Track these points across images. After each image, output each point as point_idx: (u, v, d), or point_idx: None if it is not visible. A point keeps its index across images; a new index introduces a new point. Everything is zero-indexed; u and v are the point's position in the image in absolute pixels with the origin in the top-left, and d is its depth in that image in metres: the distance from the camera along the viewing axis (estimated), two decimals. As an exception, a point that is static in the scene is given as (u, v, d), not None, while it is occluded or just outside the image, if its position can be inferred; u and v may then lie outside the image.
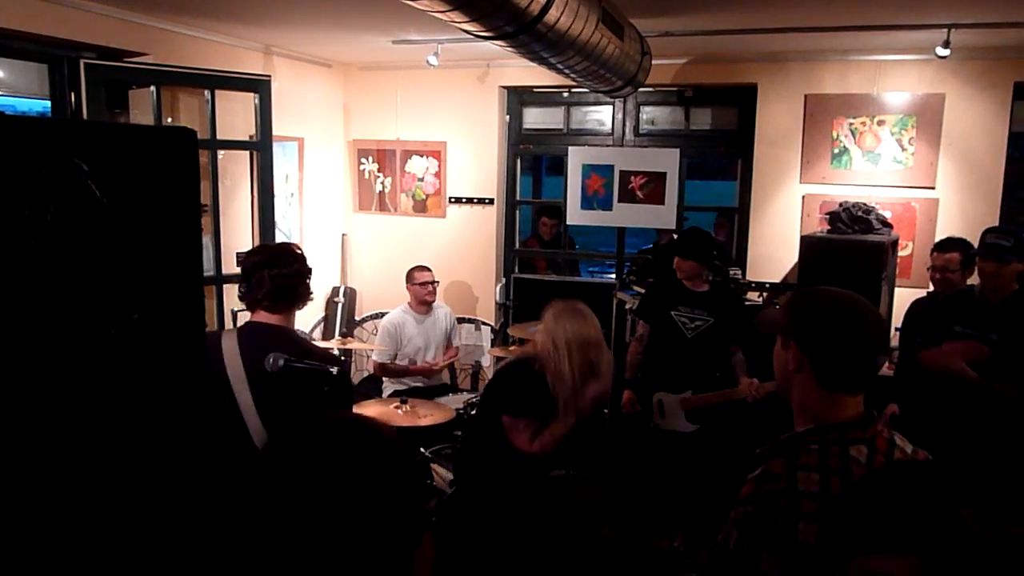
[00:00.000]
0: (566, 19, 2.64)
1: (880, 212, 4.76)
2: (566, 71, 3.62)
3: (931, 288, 4.36)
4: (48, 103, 4.21)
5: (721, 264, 5.13)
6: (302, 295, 2.66)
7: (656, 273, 5.05)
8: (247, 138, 4.85)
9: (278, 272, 2.58)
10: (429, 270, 5.18)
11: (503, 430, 3.08)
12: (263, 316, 2.61)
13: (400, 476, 0.89)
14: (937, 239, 4.75)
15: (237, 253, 4.54)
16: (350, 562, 0.83)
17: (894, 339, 4.58)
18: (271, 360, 2.46)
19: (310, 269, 2.71)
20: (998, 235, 3.50)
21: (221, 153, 4.54)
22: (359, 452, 0.89)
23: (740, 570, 1.56)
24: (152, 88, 4.22)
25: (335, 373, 2.48)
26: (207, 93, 4.38)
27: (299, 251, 2.72)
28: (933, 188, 4.94)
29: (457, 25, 2.45)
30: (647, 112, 5.71)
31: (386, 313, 5.30)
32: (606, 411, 5.45)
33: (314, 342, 5.67)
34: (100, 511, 1.39)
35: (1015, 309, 3.39)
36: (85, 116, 4.06)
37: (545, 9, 2.41)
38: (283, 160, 5.32)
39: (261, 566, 0.85)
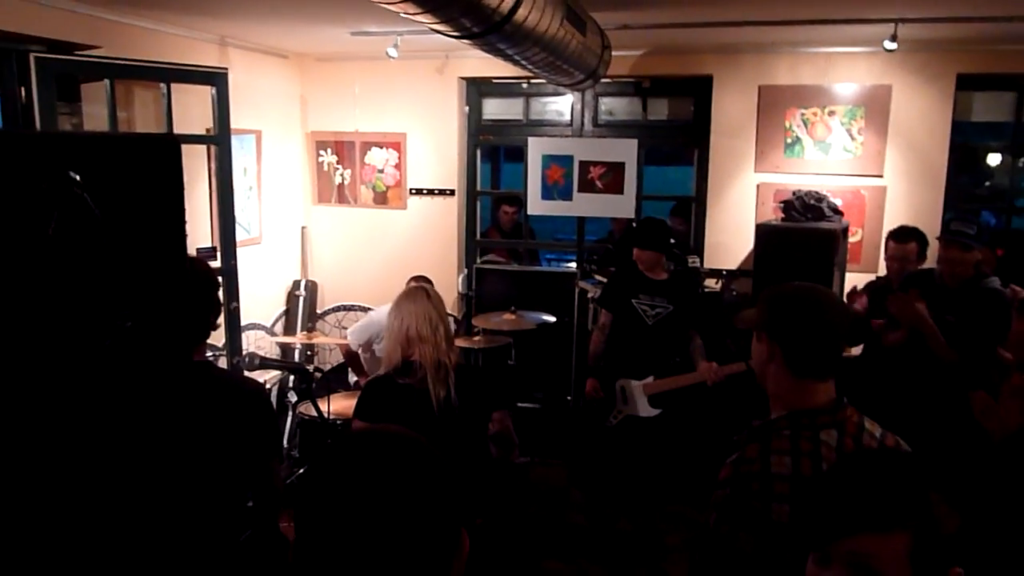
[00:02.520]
0: (533, 17, 2.68)
1: (831, 200, 4.92)
2: (527, 65, 3.65)
3: (883, 271, 4.53)
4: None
5: (680, 252, 5.25)
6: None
7: (617, 262, 5.14)
8: (204, 132, 4.78)
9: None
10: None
11: (485, 427, 3.06)
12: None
13: (443, 482, 0.93)
14: (886, 226, 4.94)
15: (198, 249, 4.50)
16: (398, 568, 0.88)
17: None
18: (247, 359, 2.48)
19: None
20: (963, 223, 3.67)
21: (179, 148, 4.46)
22: (406, 461, 0.92)
23: (720, 548, 1.66)
24: (106, 82, 4.13)
25: (312, 371, 2.51)
26: (163, 87, 4.30)
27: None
28: (881, 176, 5.11)
29: (426, 25, 2.47)
30: (605, 103, 5.78)
31: (351, 306, 5.28)
32: (569, 398, 5.55)
33: (276, 336, 5.64)
34: (95, 513, 1.40)
35: (970, 294, 3.56)
36: (36, 111, 3.96)
37: (514, 10, 2.45)
38: (241, 153, 5.25)
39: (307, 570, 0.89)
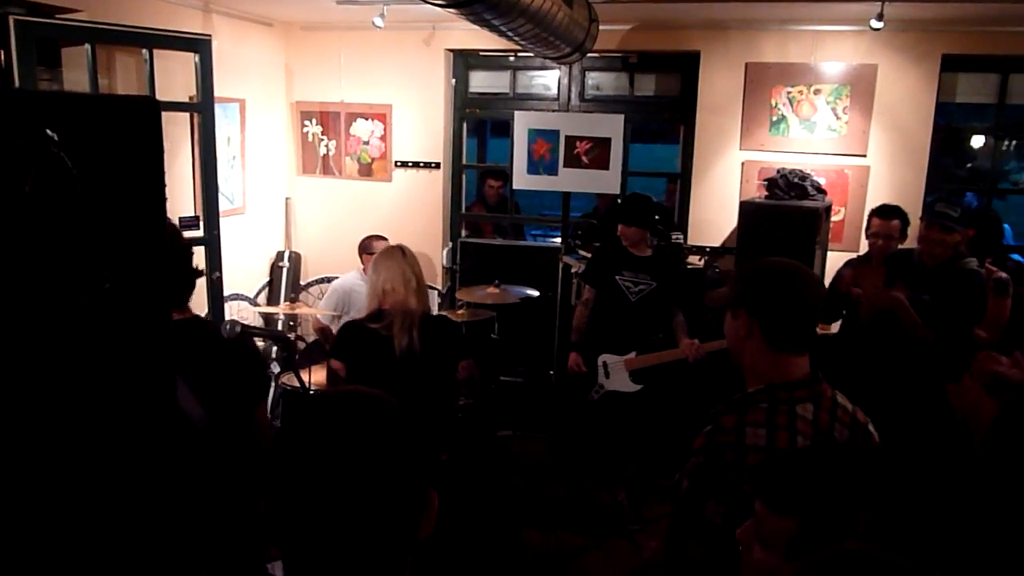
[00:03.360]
0: (520, -13, 2.66)
1: (815, 179, 4.94)
2: (514, 37, 3.63)
3: (863, 250, 4.57)
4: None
5: (664, 228, 5.27)
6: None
7: (601, 238, 5.16)
8: (187, 99, 4.73)
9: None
10: (385, 239, 5.14)
11: (454, 382, 3.24)
12: None
13: (410, 441, 0.95)
14: (868, 205, 4.97)
15: (180, 218, 4.47)
16: (366, 520, 0.89)
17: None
18: (227, 327, 2.48)
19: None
20: (947, 205, 3.69)
21: (161, 115, 4.41)
22: (374, 421, 0.94)
23: (688, 516, 1.68)
24: (87, 47, 4.07)
25: (294, 340, 2.52)
26: (145, 52, 4.24)
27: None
28: (865, 156, 5.14)
29: (411, -8, 2.45)
30: (592, 78, 5.76)
31: (333, 277, 5.27)
32: (552, 372, 5.59)
33: (259, 307, 5.63)
34: (78, 484, 1.41)
35: (948, 274, 3.61)
36: (16, 75, 3.90)
37: (500, -22, 2.43)
38: (225, 122, 5.21)
39: (279, 532, 0.90)
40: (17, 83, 3.82)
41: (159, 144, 1.57)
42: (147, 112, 1.52)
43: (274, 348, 5.24)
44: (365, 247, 5.10)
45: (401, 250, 3.31)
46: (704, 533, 1.64)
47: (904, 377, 3.64)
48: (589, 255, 4.92)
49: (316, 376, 3.97)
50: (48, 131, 1.20)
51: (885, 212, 4.22)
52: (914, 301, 3.64)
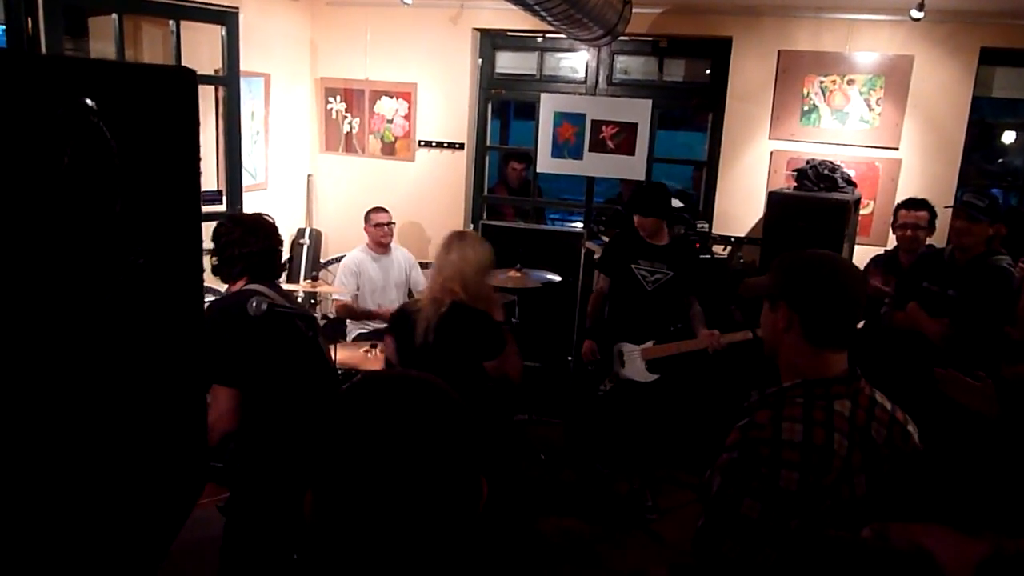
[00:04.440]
0: (558, -34, 2.60)
1: (845, 171, 4.86)
2: (547, 16, 3.57)
3: (891, 245, 4.51)
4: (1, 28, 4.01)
5: (689, 217, 5.21)
6: (276, 270, 2.74)
7: (625, 224, 5.09)
8: (212, 72, 4.70)
9: (249, 251, 2.62)
10: (386, 211, 5.14)
11: (478, 378, 3.10)
12: (244, 285, 2.66)
13: (465, 427, 0.92)
14: (898, 199, 4.89)
15: (204, 192, 4.45)
16: (418, 505, 0.86)
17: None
18: (254, 304, 2.45)
19: (281, 241, 2.80)
20: (975, 195, 3.64)
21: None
22: (428, 408, 0.90)
23: (723, 513, 1.63)
24: (114, 16, 4.04)
25: (319, 319, 2.50)
26: (172, 24, 4.22)
27: (270, 224, 2.75)
28: (897, 149, 5.04)
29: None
30: (621, 61, 5.68)
31: (351, 255, 5.26)
32: (570, 358, 5.55)
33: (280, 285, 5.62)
34: (108, 463, 1.39)
35: (977, 270, 3.54)
36: (43, 44, 3.88)
37: (540, -45, 2.37)
38: (249, 97, 5.17)
39: (334, 517, 0.87)
40: (44, 50, 3.80)
41: (195, 116, 1.53)
42: (184, 83, 1.49)
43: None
44: (365, 218, 5.12)
45: (457, 236, 3.15)
46: (740, 531, 1.60)
47: (923, 374, 3.60)
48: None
49: (340, 355, 3.95)
50: (86, 100, 1.16)
51: (912, 204, 4.20)
52: (938, 296, 3.59)
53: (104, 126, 1.22)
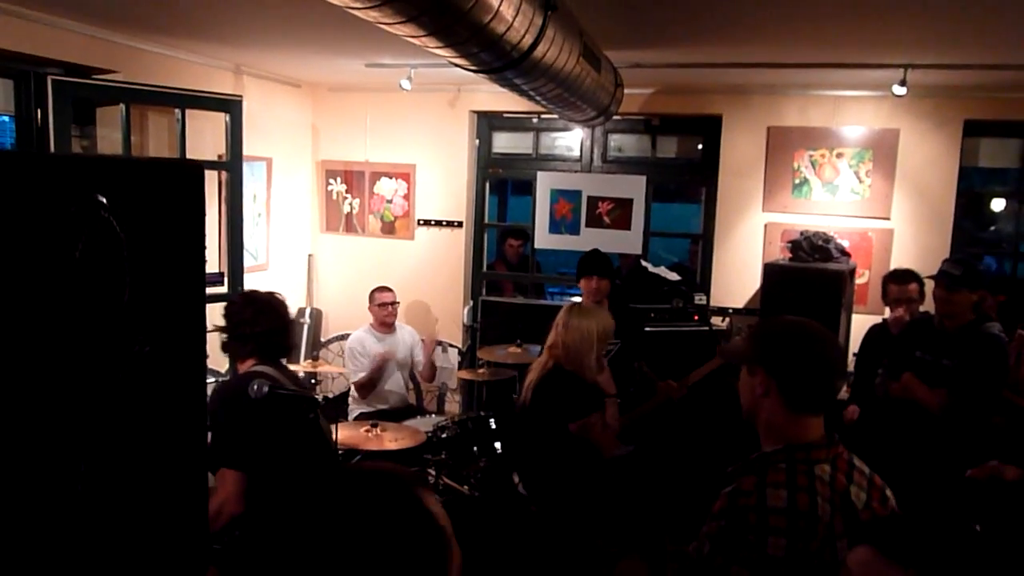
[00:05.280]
0: (551, 54, 2.70)
1: (839, 241, 4.93)
2: (539, 99, 3.68)
3: (885, 316, 4.53)
4: (8, 118, 4.12)
5: (687, 289, 5.25)
6: (285, 348, 2.78)
7: (623, 298, 5.11)
8: (215, 158, 4.81)
9: (260, 331, 2.66)
10: (390, 291, 5.18)
11: (564, 440, 3.25)
12: (252, 365, 2.67)
13: (424, 532, 0.91)
14: (892, 267, 4.94)
15: (206, 274, 4.50)
16: None
17: (851, 364, 4.74)
18: (255, 387, 2.46)
19: (290, 320, 2.87)
20: (951, 264, 3.70)
21: (191, 173, 4.48)
22: (387, 506, 0.91)
23: None
24: (121, 106, 4.16)
25: (320, 400, 2.50)
26: (178, 112, 4.33)
27: (281, 302, 2.80)
28: (888, 219, 5.13)
29: (446, 58, 2.49)
30: (615, 139, 5.82)
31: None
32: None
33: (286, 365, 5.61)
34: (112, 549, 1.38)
35: (969, 338, 3.55)
36: (51, 133, 3.99)
37: (533, 46, 2.47)
38: (251, 180, 5.28)
39: None
40: (52, 140, 3.90)
41: (201, 207, 1.58)
42: (191, 177, 1.54)
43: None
44: (370, 298, 5.16)
45: (568, 308, 3.56)
46: None
47: (922, 447, 3.57)
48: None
49: (341, 434, 3.92)
50: (99, 196, 1.21)
51: (899, 277, 4.21)
52: (932, 365, 3.60)
53: (114, 220, 1.26)
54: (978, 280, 3.63)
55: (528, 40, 2.43)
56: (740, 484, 1.68)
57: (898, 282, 4.18)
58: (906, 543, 1.24)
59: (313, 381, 5.45)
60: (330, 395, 5.53)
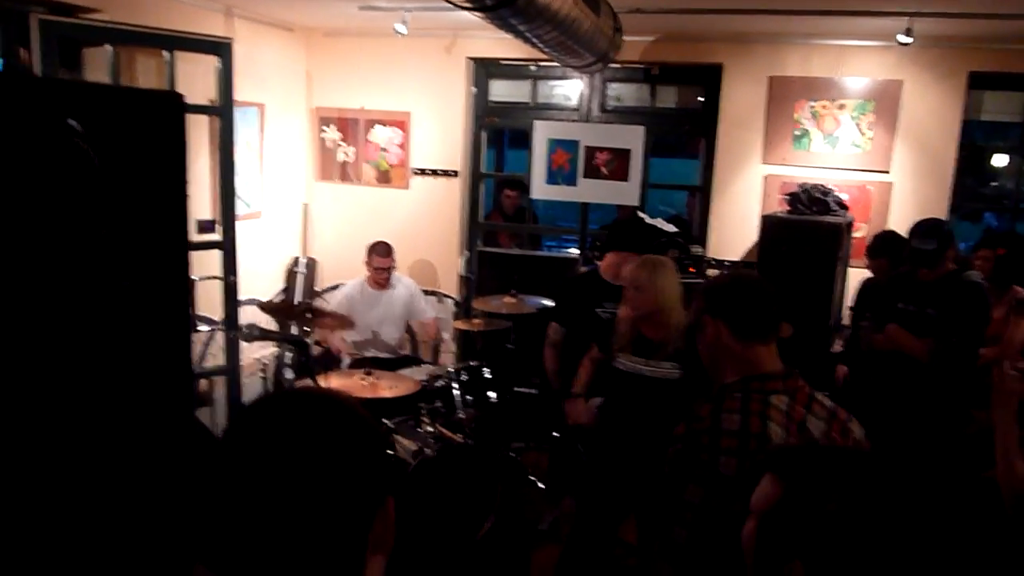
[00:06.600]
0: (547, -7, 2.63)
1: (837, 194, 4.88)
2: (538, 44, 3.60)
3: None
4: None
5: (683, 241, 5.22)
6: None
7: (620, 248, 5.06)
8: (206, 102, 4.72)
9: None
10: (388, 255, 5.04)
11: None
12: None
13: (362, 444, 0.91)
14: (890, 222, 4.92)
15: (198, 221, 4.45)
16: (312, 525, 0.85)
17: (847, 317, 4.74)
18: (246, 330, 2.44)
19: None
20: (921, 239, 3.63)
21: (181, 117, 4.40)
22: (323, 421, 0.90)
23: (671, 499, 1.76)
24: (108, 47, 4.06)
25: (308, 343, 2.48)
26: (166, 54, 4.23)
27: None
28: (888, 172, 5.07)
29: (439, -6, 2.42)
30: (613, 88, 5.72)
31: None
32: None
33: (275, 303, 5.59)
34: (86, 483, 1.37)
35: (949, 287, 3.57)
36: (38, 74, 3.90)
37: (529, -18, 2.40)
38: (243, 127, 5.20)
39: (226, 532, 0.86)
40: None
41: (182, 139, 1.54)
42: (171, 107, 1.49)
43: (288, 353, 5.22)
44: (368, 253, 5.10)
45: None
46: (686, 516, 1.71)
47: (908, 394, 3.61)
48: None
49: (335, 383, 3.92)
50: (71, 122, 1.16)
51: (873, 251, 4.31)
52: (916, 315, 3.62)
53: (90, 148, 1.22)
54: (949, 239, 3.65)
55: (523, -24, 2.36)
56: (697, 411, 1.80)
57: (871, 256, 4.31)
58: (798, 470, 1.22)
59: (306, 329, 5.45)
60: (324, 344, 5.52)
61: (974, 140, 5.53)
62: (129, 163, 1.38)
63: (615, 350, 3.36)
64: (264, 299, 5.62)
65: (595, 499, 3.40)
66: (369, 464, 0.90)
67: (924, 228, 3.71)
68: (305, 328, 4.66)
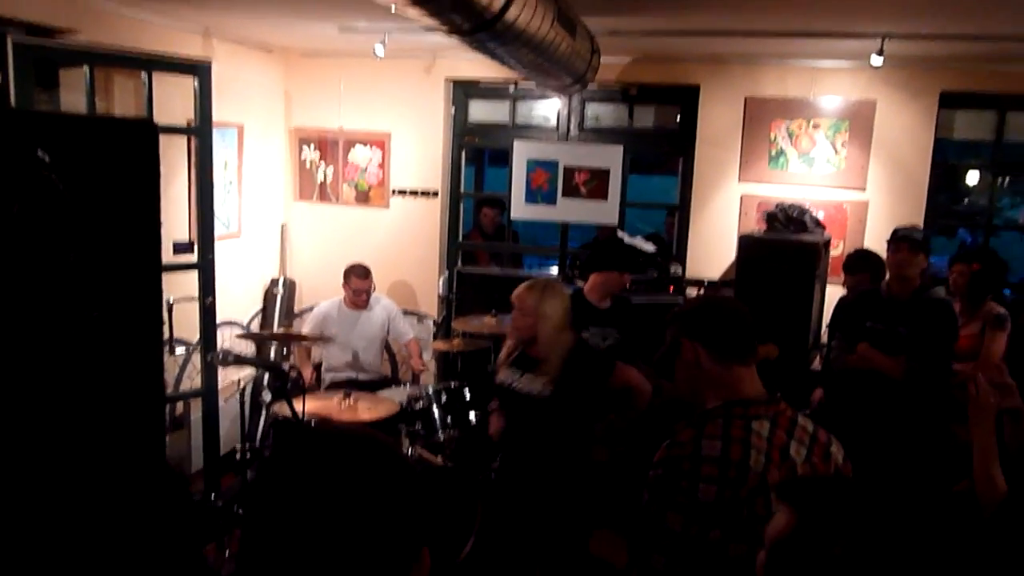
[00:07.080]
0: (524, 17, 2.65)
1: (814, 213, 4.93)
2: (516, 65, 3.62)
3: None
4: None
5: (662, 260, 5.24)
6: None
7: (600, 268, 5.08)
8: (184, 123, 4.70)
9: None
10: (366, 277, 5.04)
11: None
12: None
13: (404, 495, 0.89)
14: (867, 240, 4.98)
15: (175, 242, 4.41)
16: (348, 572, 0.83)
17: (824, 336, 4.78)
18: (220, 355, 2.42)
19: None
20: (909, 229, 3.77)
21: (158, 138, 4.38)
22: (364, 466, 0.88)
23: (650, 526, 1.74)
24: (85, 68, 4.03)
25: (287, 370, 2.46)
26: (144, 75, 4.21)
27: None
28: (864, 190, 5.14)
29: (416, 21, 2.43)
30: (592, 108, 5.76)
31: (325, 304, 5.22)
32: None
33: (253, 332, 5.56)
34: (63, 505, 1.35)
35: (916, 305, 3.61)
36: (12, 96, 3.87)
37: (505, 8, 2.42)
38: (222, 147, 5.17)
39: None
40: (14, 102, 3.78)
41: (155, 166, 1.53)
42: (145, 135, 1.48)
43: (266, 377, 5.17)
44: (345, 275, 5.08)
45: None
46: (665, 543, 1.69)
47: (883, 412, 3.64)
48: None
49: (309, 405, 3.89)
50: (39, 153, 1.15)
51: (851, 266, 4.37)
52: (886, 334, 3.65)
53: (57, 178, 1.21)
54: (929, 247, 3.75)
55: (500, 1, 2.38)
56: (678, 436, 1.78)
57: (849, 272, 4.36)
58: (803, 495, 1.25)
59: (285, 351, 5.41)
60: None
61: (947, 158, 5.61)
62: (101, 192, 1.37)
63: (498, 364, 3.42)
64: (242, 320, 5.58)
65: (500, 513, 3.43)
66: (408, 516, 0.89)
67: (909, 227, 3.85)
68: (284, 352, 4.64)
